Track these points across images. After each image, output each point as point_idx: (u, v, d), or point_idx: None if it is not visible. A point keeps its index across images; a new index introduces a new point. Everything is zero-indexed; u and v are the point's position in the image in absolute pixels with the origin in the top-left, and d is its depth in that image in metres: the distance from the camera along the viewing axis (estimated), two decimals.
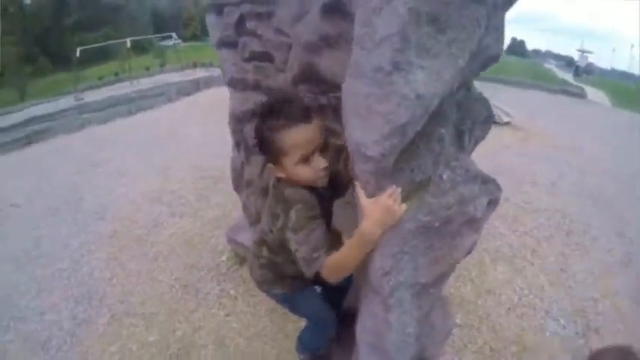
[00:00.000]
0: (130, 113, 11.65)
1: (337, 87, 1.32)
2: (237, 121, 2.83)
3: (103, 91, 15.79)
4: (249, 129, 2.39)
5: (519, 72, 20.15)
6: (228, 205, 4.64)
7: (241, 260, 3.55)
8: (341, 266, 1.37)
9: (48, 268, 4.00)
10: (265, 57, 2.32)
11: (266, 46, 2.24)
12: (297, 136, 1.35)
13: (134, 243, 4.14)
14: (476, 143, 1.65)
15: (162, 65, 20.03)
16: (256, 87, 2.48)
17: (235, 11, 2.37)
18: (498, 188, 1.63)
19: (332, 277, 1.40)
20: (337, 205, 1.66)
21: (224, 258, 3.62)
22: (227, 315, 3.02)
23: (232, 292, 3.26)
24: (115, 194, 5.51)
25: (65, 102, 14.37)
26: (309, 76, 1.82)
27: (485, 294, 3.25)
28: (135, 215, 4.76)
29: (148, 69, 20.28)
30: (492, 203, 1.61)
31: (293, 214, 1.41)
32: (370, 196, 1.25)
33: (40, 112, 12.51)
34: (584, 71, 31.65)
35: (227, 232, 3.65)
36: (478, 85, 1.61)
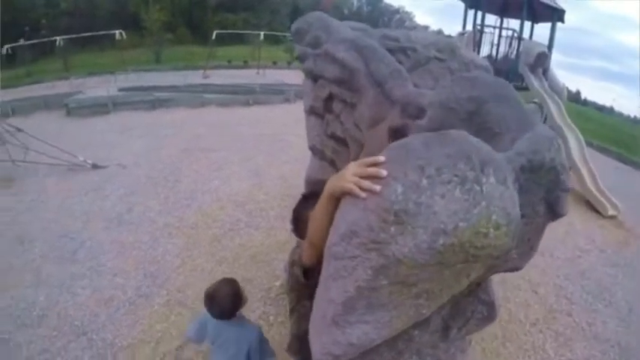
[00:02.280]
0: (247, 104, 13.15)
1: None
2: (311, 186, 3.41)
3: (229, 74, 18.01)
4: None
5: None
6: None
7: None
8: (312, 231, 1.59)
9: (132, 236, 5.01)
10: (343, 143, 2.79)
11: (345, 134, 2.71)
12: None
13: (207, 241, 4.98)
14: (468, 333, 1.88)
15: (289, 62, 22.00)
16: (332, 163, 3.01)
17: (327, 87, 2.82)
18: None
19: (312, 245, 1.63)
20: None
21: (277, 283, 4.22)
22: None
23: (272, 318, 3.83)
24: (208, 187, 6.52)
25: (193, 76, 16.71)
26: None
27: None
28: (217, 214, 5.64)
29: (275, 63, 22.49)
30: None
31: None
32: None
33: (169, 82, 14.75)
34: None
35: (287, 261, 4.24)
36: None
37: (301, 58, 3.23)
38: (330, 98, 2.85)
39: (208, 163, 7.61)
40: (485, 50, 11.27)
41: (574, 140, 8.67)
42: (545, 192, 1.49)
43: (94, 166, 7.16)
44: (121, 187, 6.39)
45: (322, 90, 2.89)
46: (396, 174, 1.16)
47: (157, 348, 3.42)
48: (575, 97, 34.24)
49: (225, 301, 2.50)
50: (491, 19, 11.76)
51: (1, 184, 6.35)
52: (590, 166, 8.15)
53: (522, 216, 1.35)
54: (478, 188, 1.12)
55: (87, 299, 3.97)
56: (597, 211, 7.15)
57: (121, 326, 3.65)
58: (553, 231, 5.89)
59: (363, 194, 1.22)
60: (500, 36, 11.01)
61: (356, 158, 2.61)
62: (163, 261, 4.55)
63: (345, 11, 49.03)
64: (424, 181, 1.12)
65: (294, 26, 3.25)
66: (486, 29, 11.15)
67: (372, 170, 1.25)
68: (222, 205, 5.93)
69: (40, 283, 4.17)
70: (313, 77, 3.05)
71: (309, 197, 1.90)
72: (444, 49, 3.91)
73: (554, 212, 1.57)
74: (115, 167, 7.24)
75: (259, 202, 6.06)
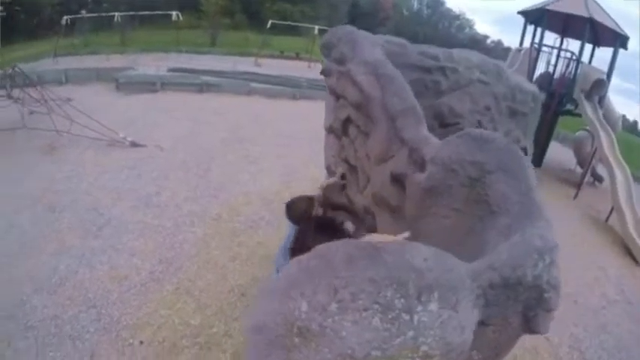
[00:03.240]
0: (294, 98, 13.43)
1: None
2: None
3: (280, 65, 18.39)
4: None
5: None
6: None
7: None
8: None
9: (156, 220, 5.34)
10: (354, 170, 2.90)
11: (357, 162, 2.82)
12: None
13: (226, 235, 5.24)
14: None
15: None
16: (342, 187, 3.11)
17: (346, 109, 2.90)
18: None
19: None
20: None
21: None
22: None
23: None
24: (238, 179, 6.80)
25: (245, 63, 17.20)
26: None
27: None
28: (241, 208, 5.91)
29: None
30: None
31: None
32: None
33: (220, 66, 15.25)
34: None
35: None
36: None
37: (326, 73, 3.31)
38: (348, 120, 2.93)
39: (243, 155, 7.90)
40: (541, 68, 11.08)
41: (621, 177, 8.41)
42: (523, 307, 1.38)
43: (133, 144, 7.60)
44: (155, 169, 6.77)
45: (342, 111, 2.98)
46: (305, 289, 1.13)
47: (158, 332, 3.69)
48: (631, 127, 32.30)
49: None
50: (551, 37, 11.60)
51: (44, 150, 6.88)
52: (635, 208, 7.86)
53: (490, 324, 1.35)
54: (407, 317, 1.08)
55: (103, 275, 4.30)
56: (635, 259, 6.88)
57: (129, 305, 3.95)
58: (582, 274, 5.78)
59: None
60: (558, 57, 10.77)
61: (364, 188, 2.74)
62: (180, 249, 4.84)
63: (405, 12, 48.64)
64: (333, 306, 1.09)
65: (323, 39, 3.30)
66: (545, 48, 10.94)
67: None
68: (249, 200, 6.18)
69: (63, 253, 4.54)
70: (336, 95, 3.15)
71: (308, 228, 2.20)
72: (489, 71, 3.93)
73: (530, 329, 1.47)
74: (152, 148, 7.66)
75: (285, 200, 6.24)
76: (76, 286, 4.12)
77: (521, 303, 1.32)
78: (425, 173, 1.84)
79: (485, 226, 1.50)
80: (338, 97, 3.06)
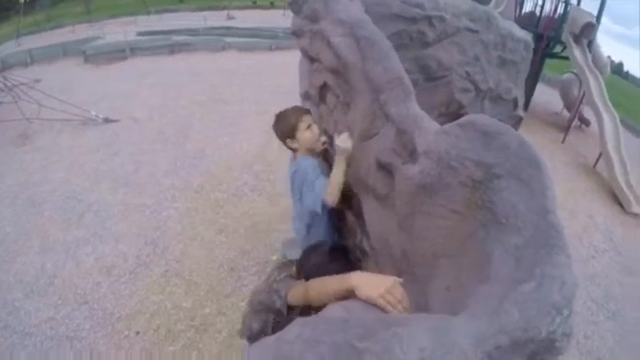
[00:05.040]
0: (270, 49, 12.87)
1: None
2: None
3: (252, 16, 17.53)
4: None
5: None
6: None
7: None
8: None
9: (137, 199, 5.15)
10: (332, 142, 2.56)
11: (337, 132, 2.45)
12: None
13: (210, 207, 5.06)
14: None
15: None
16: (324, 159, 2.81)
17: (322, 74, 2.57)
18: None
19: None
20: None
21: (274, 257, 4.28)
22: None
23: None
24: (217, 144, 6.54)
25: (217, 17, 16.36)
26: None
27: None
28: (223, 176, 5.69)
29: None
30: None
31: None
32: None
33: (190, 24, 14.51)
34: None
35: (283, 241, 4.17)
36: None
37: (296, 34, 2.87)
38: (325, 87, 2.61)
39: (221, 117, 7.58)
40: (528, 7, 10.54)
41: (609, 123, 8.15)
42: (528, 356, 1.15)
43: (106, 120, 7.25)
44: (131, 144, 6.48)
45: (318, 76, 2.66)
46: None
47: (152, 320, 3.59)
48: (617, 69, 31.52)
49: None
50: None
51: (17, 141, 6.55)
52: (622, 154, 7.66)
53: None
54: None
55: (90, 267, 4.16)
56: (622, 206, 6.76)
57: (120, 296, 3.83)
58: (571, 223, 5.72)
59: None
60: None
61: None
62: (165, 227, 4.67)
63: None
64: None
65: None
66: None
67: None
68: (229, 165, 5.95)
69: (48, 249, 4.38)
70: (309, 58, 2.77)
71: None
72: (478, 18, 3.56)
73: None
74: (127, 121, 7.33)
75: (267, 163, 6.04)
76: (66, 284, 3.98)
77: (527, 355, 1.11)
78: (417, 166, 1.56)
79: (490, 235, 1.25)
80: (312, 60, 2.69)
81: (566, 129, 9.14)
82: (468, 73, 3.42)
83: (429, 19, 3.15)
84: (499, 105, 3.85)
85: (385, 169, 1.83)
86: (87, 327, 3.55)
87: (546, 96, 12.17)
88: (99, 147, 6.42)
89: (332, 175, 2.24)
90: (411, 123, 1.72)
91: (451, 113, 3.38)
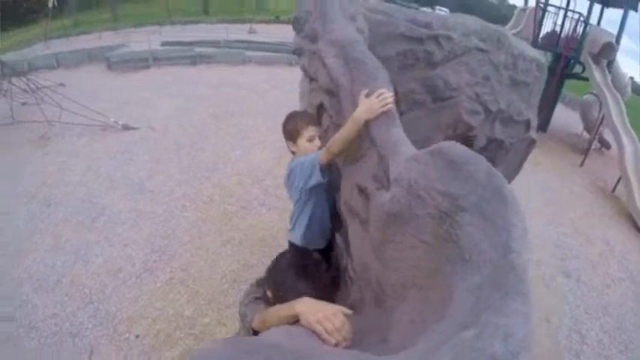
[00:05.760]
0: (290, 64, 13.13)
1: None
2: None
3: (274, 30, 17.90)
4: None
5: None
6: None
7: None
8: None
9: (148, 206, 5.33)
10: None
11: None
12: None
13: (219, 218, 5.23)
14: None
15: None
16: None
17: (319, 95, 2.64)
18: None
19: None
20: None
21: None
22: None
23: None
24: (229, 157, 6.73)
25: (239, 31, 16.77)
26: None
27: None
28: (234, 189, 5.87)
29: None
30: None
31: None
32: None
33: (213, 36, 14.89)
34: None
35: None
36: None
37: (297, 53, 2.99)
38: (322, 107, 2.67)
39: (236, 130, 7.79)
40: (547, 27, 10.62)
41: (629, 146, 8.10)
42: None
43: (125, 128, 7.50)
44: (147, 152, 6.71)
45: (315, 96, 2.73)
46: None
47: (153, 325, 3.73)
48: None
49: None
50: None
51: (38, 142, 6.81)
52: None
53: None
54: None
55: (98, 268, 4.33)
56: None
57: (124, 299, 3.99)
58: (587, 250, 5.69)
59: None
60: (565, 17, 10.23)
61: (336, 192, 2.55)
62: (173, 235, 4.83)
63: None
64: None
65: (294, 15, 2.89)
66: (551, 8, 10.44)
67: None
68: (241, 179, 6.12)
69: (59, 248, 4.56)
70: (309, 77, 2.86)
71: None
72: (488, 38, 3.54)
73: None
74: (145, 129, 7.57)
75: (277, 177, 6.19)
76: (74, 282, 4.15)
77: None
78: (389, 193, 1.58)
79: (455, 271, 1.21)
80: (311, 79, 2.79)
81: (585, 151, 9.10)
82: (477, 94, 3.39)
83: (436, 39, 3.17)
84: (510, 127, 3.78)
85: (364, 193, 1.91)
86: (90, 326, 3.70)
87: (566, 117, 12.21)
88: (116, 153, 6.65)
89: (338, 132, 2.14)
90: (390, 148, 1.77)
91: (459, 135, 3.37)
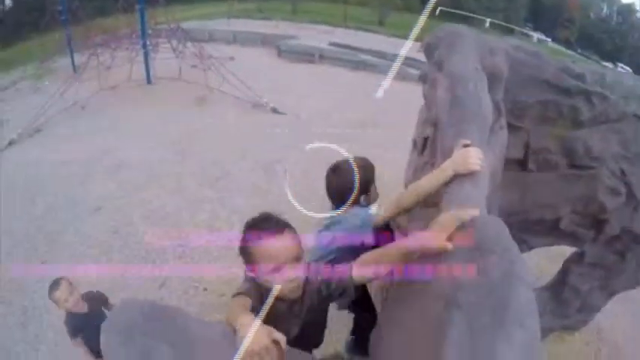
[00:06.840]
0: None
1: None
2: None
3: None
4: None
5: None
6: None
7: None
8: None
9: (266, 185, 5.51)
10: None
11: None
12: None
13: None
14: None
15: None
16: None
17: (427, 126, 2.44)
18: None
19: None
20: None
21: None
22: None
23: None
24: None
25: (410, 47, 16.78)
26: None
27: None
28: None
29: None
30: None
31: None
32: None
33: (381, 47, 15.13)
34: None
35: None
36: None
37: (422, 79, 2.80)
38: (428, 140, 2.44)
39: (373, 142, 7.69)
40: None
41: None
42: None
43: (274, 110, 7.96)
44: (284, 137, 6.98)
45: (426, 127, 2.51)
46: None
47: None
48: None
49: None
50: None
51: (193, 101, 7.55)
52: None
53: None
54: None
55: (200, 222, 4.68)
56: None
57: (210, 256, 4.19)
58: None
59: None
60: None
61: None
62: (279, 211, 4.92)
63: (591, 15, 42.88)
64: None
65: (426, 40, 2.69)
66: None
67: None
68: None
69: (176, 193, 5.06)
70: (427, 106, 2.62)
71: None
72: None
73: None
74: (291, 117, 7.92)
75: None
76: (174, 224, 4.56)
77: None
78: None
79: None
80: (429, 108, 2.53)
81: None
82: (623, 171, 2.80)
83: (587, 95, 2.70)
84: None
85: None
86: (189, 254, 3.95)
87: None
88: (258, 130, 7.09)
89: (414, 184, 1.87)
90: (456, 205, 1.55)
91: (589, 214, 2.85)
